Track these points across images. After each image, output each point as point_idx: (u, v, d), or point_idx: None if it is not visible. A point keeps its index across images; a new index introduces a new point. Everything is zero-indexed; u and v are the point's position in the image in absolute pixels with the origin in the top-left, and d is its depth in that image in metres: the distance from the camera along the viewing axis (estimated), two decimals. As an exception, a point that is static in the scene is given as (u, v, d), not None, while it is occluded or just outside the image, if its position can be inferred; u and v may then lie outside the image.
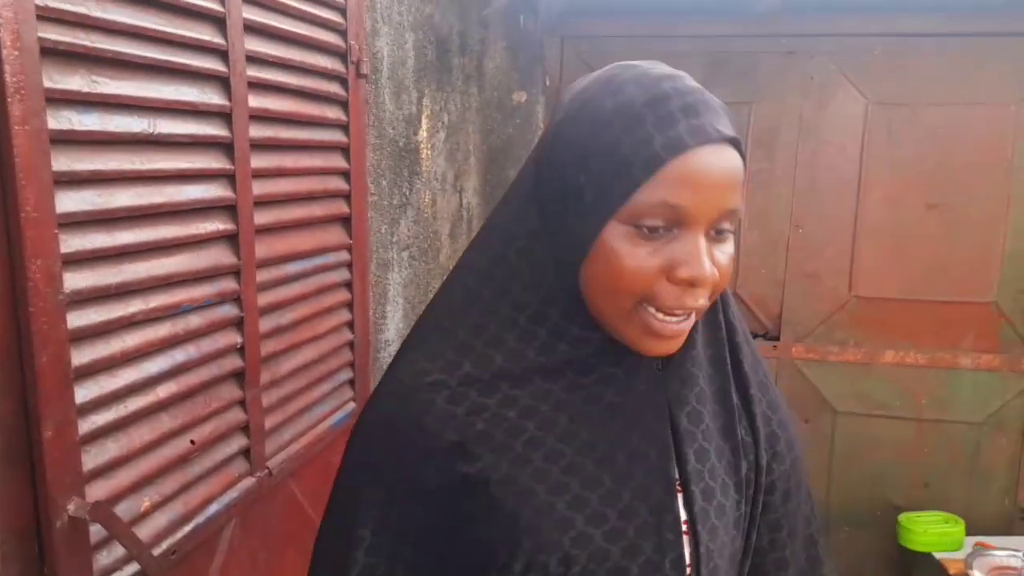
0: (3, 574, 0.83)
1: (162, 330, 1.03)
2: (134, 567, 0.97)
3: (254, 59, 1.19)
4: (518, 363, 0.68)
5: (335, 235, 1.50)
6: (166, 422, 1.04)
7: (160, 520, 1.03)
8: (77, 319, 0.89)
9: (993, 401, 2.68)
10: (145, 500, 1.00)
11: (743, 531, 0.74)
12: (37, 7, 0.80)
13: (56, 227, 0.84)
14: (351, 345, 1.59)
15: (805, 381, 2.77)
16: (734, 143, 0.63)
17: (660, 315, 0.63)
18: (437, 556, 0.70)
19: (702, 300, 0.64)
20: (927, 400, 2.72)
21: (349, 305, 1.56)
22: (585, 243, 0.64)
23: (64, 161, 0.86)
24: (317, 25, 1.38)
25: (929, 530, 2.53)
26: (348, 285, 1.56)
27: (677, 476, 0.69)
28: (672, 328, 0.64)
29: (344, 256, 1.53)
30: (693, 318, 0.66)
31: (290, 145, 1.32)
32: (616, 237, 0.62)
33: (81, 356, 0.90)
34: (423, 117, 2.01)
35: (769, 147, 2.69)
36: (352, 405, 1.59)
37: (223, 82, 1.12)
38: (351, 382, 1.60)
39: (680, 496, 0.69)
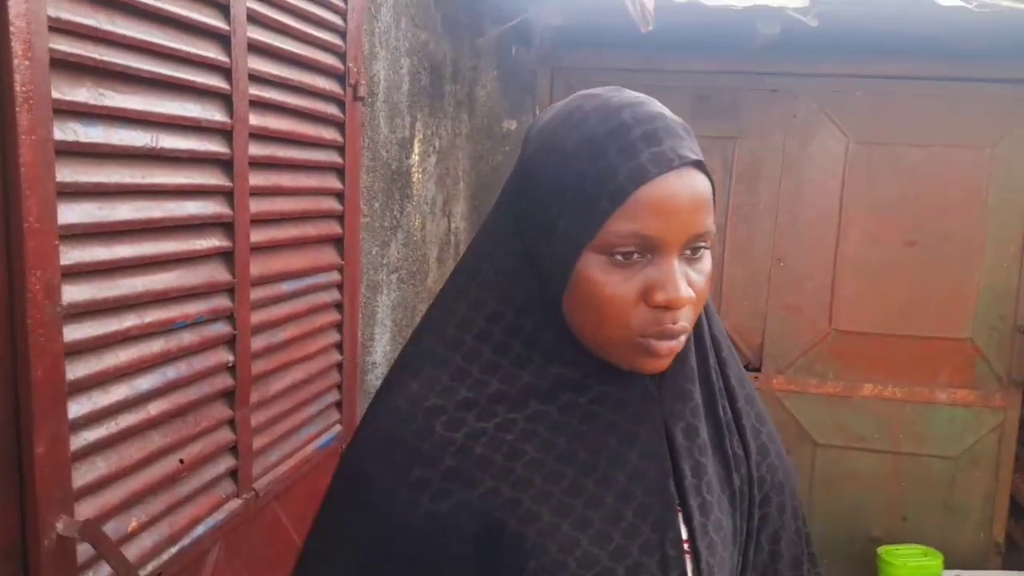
0: (-14, 594, 0.81)
1: (155, 346, 1.01)
2: (119, 588, 0.94)
3: (256, 78, 1.19)
4: (513, 386, 0.68)
5: (327, 255, 1.50)
6: (156, 440, 1.02)
7: (147, 541, 1.00)
8: (73, 332, 0.87)
9: (968, 436, 2.73)
10: (133, 520, 0.98)
11: (740, 546, 0.74)
12: (49, 18, 0.80)
13: (57, 239, 0.83)
14: (339, 367, 1.57)
15: (786, 413, 2.80)
16: (698, 165, 0.63)
17: (653, 341, 0.64)
18: None
19: (683, 322, 0.65)
20: (904, 434, 2.76)
21: (338, 326, 1.55)
22: (563, 274, 0.64)
23: (67, 172, 0.85)
24: (318, 47, 1.39)
25: (908, 563, 2.55)
26: (338, 306, 1.55)
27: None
28: (665, 346, 0.65)
29: (335, 277, 1.53)
30: (684, 336, 0.67)
31: (288, 164, 1.32)
32: (591, 267, 0.63)
33: (75, 370, 0.88)
34: (415, 141, 2.03)
35: (752, 182, 2.74)
36: (339, 427, 1.57)
37: (225, 100, 1.12)
38: (338, 404, 1.59)
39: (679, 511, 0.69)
